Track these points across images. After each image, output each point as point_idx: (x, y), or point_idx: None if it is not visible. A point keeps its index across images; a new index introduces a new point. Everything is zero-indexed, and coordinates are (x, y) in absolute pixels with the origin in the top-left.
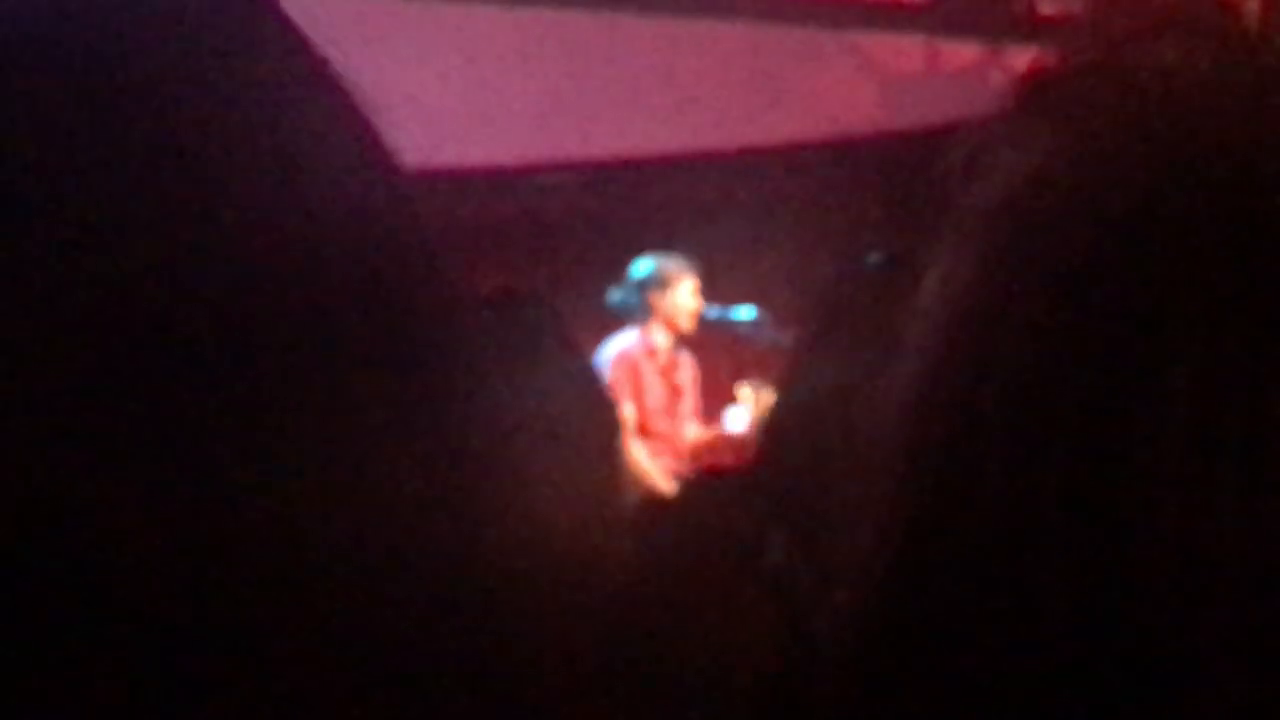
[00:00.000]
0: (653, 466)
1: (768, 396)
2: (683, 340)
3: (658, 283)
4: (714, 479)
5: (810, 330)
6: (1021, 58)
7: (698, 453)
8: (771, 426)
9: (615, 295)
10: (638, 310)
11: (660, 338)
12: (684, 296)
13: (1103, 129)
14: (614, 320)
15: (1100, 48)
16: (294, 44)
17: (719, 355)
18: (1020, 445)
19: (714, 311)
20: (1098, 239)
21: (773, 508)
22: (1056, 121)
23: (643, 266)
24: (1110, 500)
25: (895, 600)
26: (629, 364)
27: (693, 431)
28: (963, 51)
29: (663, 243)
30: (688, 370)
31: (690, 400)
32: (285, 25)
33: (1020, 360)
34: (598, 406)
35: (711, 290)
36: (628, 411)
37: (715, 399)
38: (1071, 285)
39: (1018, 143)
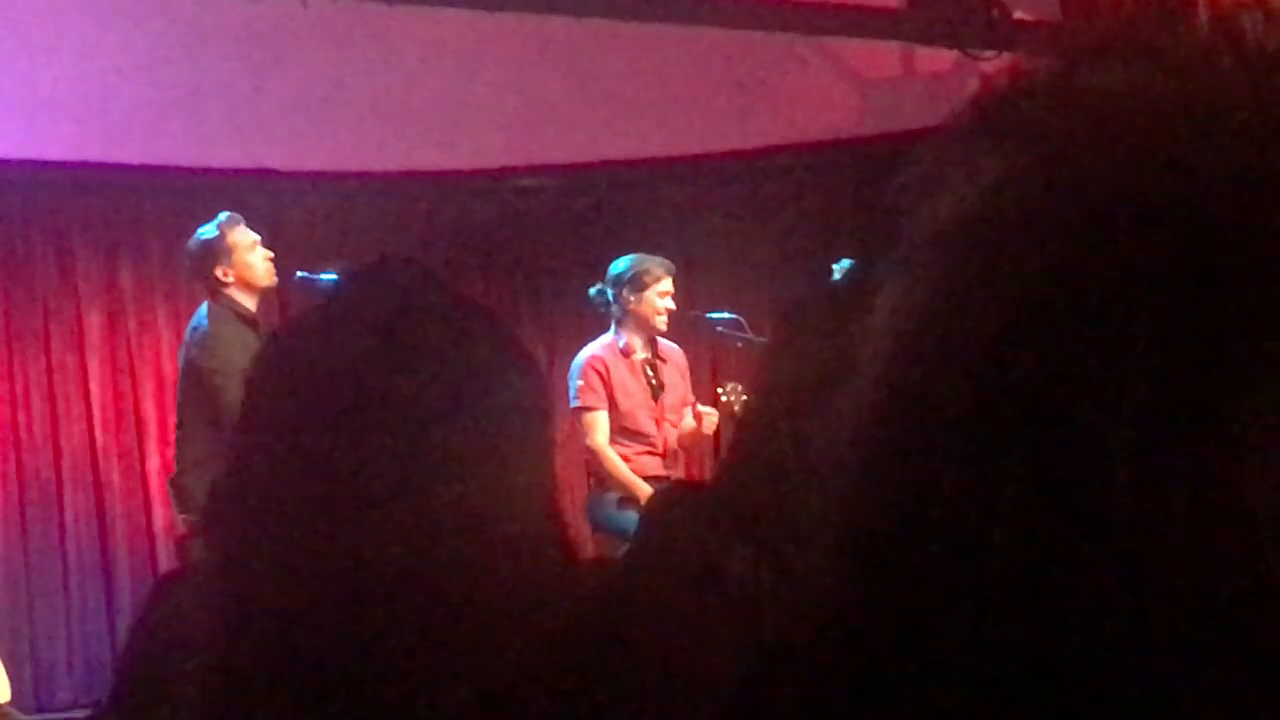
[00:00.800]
0: (630, 467)
1: (744, 398)
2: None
3: (635, 282)
4: (679, 490)
5: (772, 345)
6: (995, 63)
7: (687, 444)
8: (737, 438)
9: (594, 292)
10: (614, 309)
11: (637, 337)
12: (657, 298)
13: (1053, 152)
14: (594, 321)
15: (1051, 68)
16: None
17: (700, 357)
18: (972, 464)
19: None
20: (1048, 260)
21: (737, 520)
22: (1007, 142)
23: (619, 265)
24: (1064, 521)
25: (855, 615)
26: (600, 365)
27: (688, 423)
28: (938, 57)
29: (641, 245)
30: (674, 365)
31: (679, 395)
32: None
33: (972, 382)
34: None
35: (689, 292)
36: (600, 416)
37: (696, 399)
38: (1022, 306)
39: (968, 163)
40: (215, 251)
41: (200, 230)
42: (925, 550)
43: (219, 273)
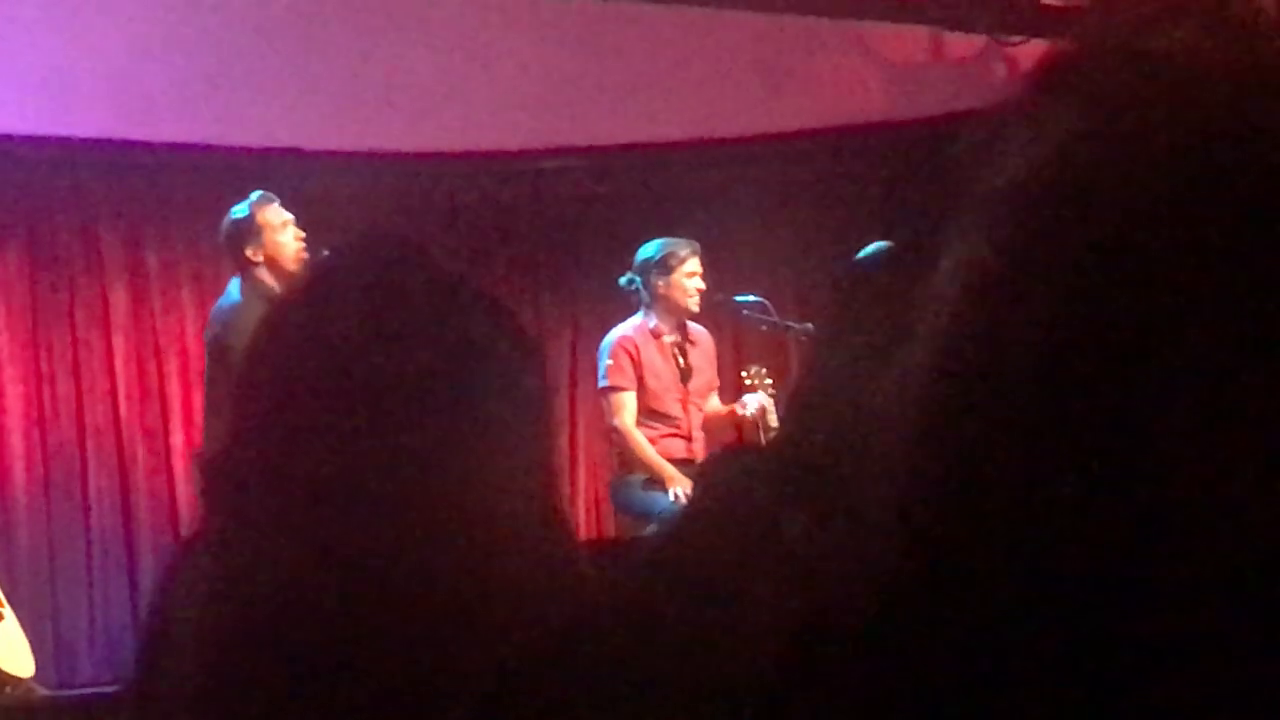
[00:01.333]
0: (655, 449)
1: (771, 381)
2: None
3: (662, 265)
4: (733, 453)
5: (828, 313)
6: (1025, 48)
7: (711, 427)
8: (792, 404)
9: (625, 278)
10: (644, 293)
11: (666, 320)
12: (686, 280)
13: (1123, 112)
14: (619, 304)
15: (1118, 32)
16: None
17: (724, 340)
18: (1038, 425)
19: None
20: (1119, 221)
21: (794, 482)
22: (1075, 104)
23: (648, 249)
24: (1127, 481)
25: (913, 579)
26: (630, 346)
27: (713, 406)
28: (966, 42)
29: (668, 228)
30: (703, 349)
31: (706, 379)
32: None
33: (1039, 342)
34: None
35: (714, 275)
36: (629, 397)
37: (720, 382)
38: (1092, 267)
39: (1035, 126)
40: (245, 231)
41: (234, 209)
42: (984, 512)
43: (248, 252)
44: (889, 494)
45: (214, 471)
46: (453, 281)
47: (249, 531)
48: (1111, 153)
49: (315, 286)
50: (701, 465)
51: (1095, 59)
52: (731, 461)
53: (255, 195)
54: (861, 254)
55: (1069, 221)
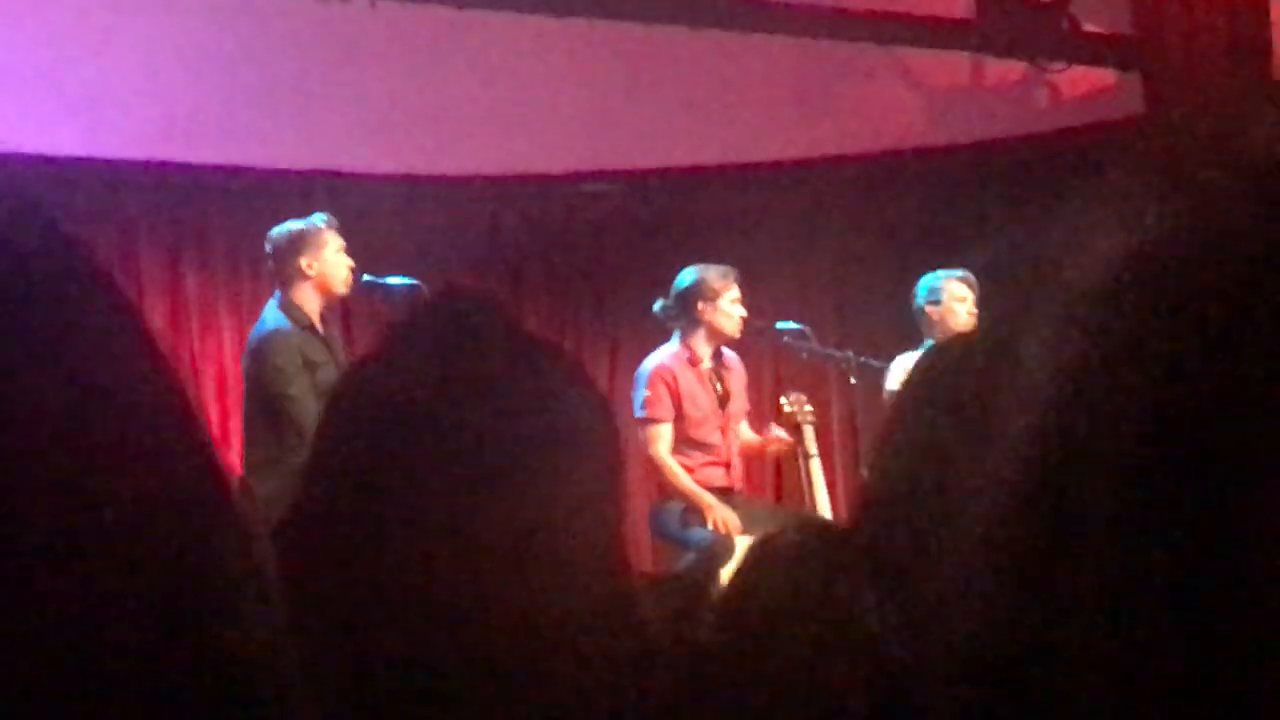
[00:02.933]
0: (694, 478)
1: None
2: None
3: (704, 292)
4: (806, 532)
5: (906, 395)
6: (1065, 75)
7: (745, 455)
8: (869, 487)
9: (660, 305)
10: (683, 320)
11: (705, 347)
12: (730, 305)
13: (1212, 205)
14: (658, 327)
15: (1208, 126)
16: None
17: (764, 367)
18: (1130, 527)
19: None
20: (1208, 316)
21: (868, 568)
22: (1162, 196)
23: (688, 276)
24: (1218, 580)
25: (998, 683)
26: (668, 376)
27: (745, 432)
28: (1007, 68)
29: (707, 252)
30: (737, 374)
31: (740, 404)
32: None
33: (1131, 440)
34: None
35: (752, 301)
36: (665, 429)
37: (757, 410)
38: (1181, 362)
39: (1121, 217)
40: (307, 242)
41: (292, 221)
42: (1077, 608)
43: (303, 262)
44: (979, 585)
45: (291, 523)
46: (527, 337)
47: (324, 580)
48: (1201, 245)
49: (392, 343)
50: (762, 540)
51: (1180, 150)
52: (800, 543)
53: (321, 216)
54: (921, 291)
55: (1158, 315)
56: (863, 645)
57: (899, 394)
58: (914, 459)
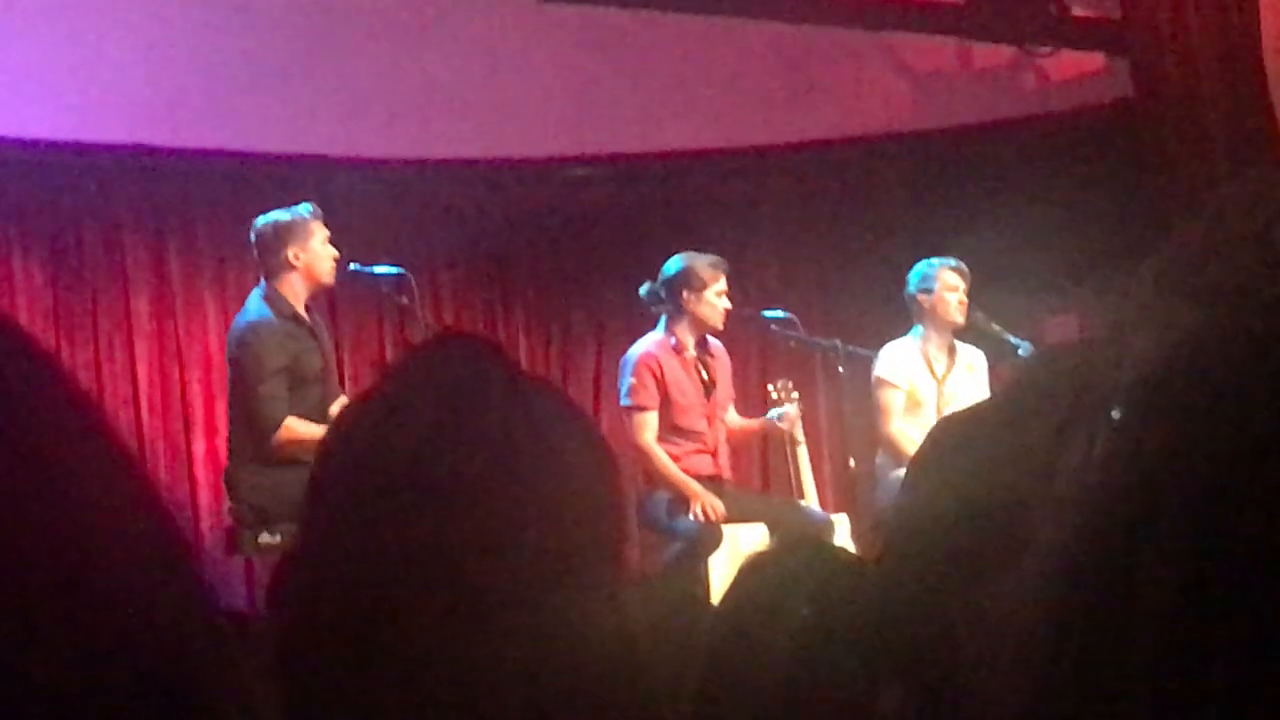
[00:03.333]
0: (680, 466)
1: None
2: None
3: (690, 282)
4: (823, 620)
5: (911, 489)
6: (1053, 59)
7: (736, 442)
8: (888, 578)
9: (646, 289)
10: (668, 307)
11: (689, 336)
12: (715, 298)
13: (1249, 306)
14: (645, 313)
15: (1244, 223)
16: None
17: (750, 355)
18: (1175, 646)
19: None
20: (1253, 421)
21: (889, 660)
22: (1199, 299)
23: (676, 263)
24: (1269, 701)
25: None
26: (653, 363)
27: (733, 418)
28: (995, 52)
29: (693, 238)
30: (722, 363)
31: (726, 392)
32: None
33: (1172, 552)
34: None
35: (740, 286)
36: (651, 417)
37: (744, 397)
38: (1231, 465)
39: (1157, 320)
40: (294, 232)
41: (278, 211)
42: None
43: (290, 253)
44: (1021, 692)
45: (284, 575)
46: (526, 383)
47: (313, 636)
48: (1239, 350)
49: (390, 386)
50: (741, 569)
51: (1217, 253)
52: (825, 631)
53: (307, 206)
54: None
55: (1196, 421)
56: None
57: (913, 463)
58: (934, 554)
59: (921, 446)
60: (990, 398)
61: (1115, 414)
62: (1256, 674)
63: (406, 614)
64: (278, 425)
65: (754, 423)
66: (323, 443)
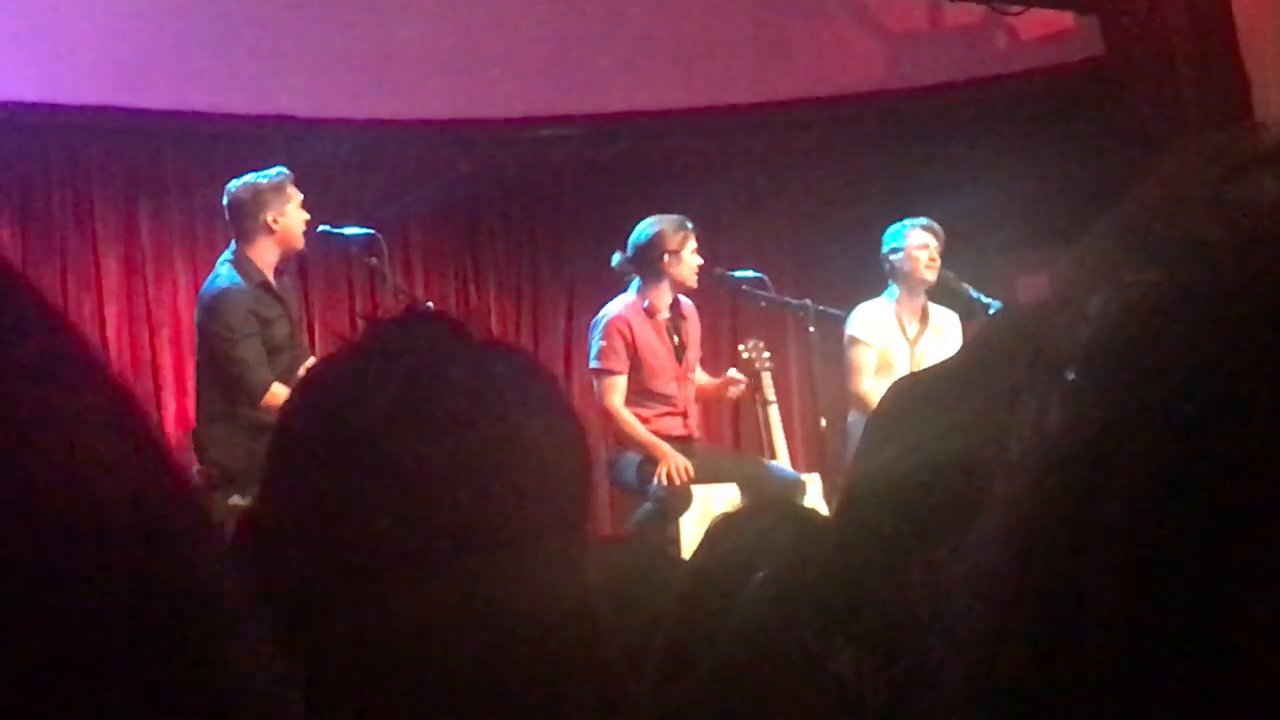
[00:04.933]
0: (650, 428)
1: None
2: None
3: (666, 244)
4: (776, 575)
5: (867, 450)
6: (1024, 17)
7: (701, 399)
8: (840, 531)
9: (617, 259)
10: (644, 271)
11: (665, 297)
12: (690, 256)
13: (1209, 265)
14: (615, 274)
15: (1199, 179)
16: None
17: (721, 314)
18: (1125, 604)
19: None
20: (1197, 378)
21: (842, 619)
22: (1152, 257)
23: (648, 228)
24: (1220, 658)
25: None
26: (624, 326)
27: (700, 377)
28: (966, 10)
29: (664, 198)
30: (693, 324)
31: (696, 354)
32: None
33: (1124, 509)
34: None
35: (711, 246)
36: (620, 380)
37: (714, 357)
38: (1175, 429)
39: (1111, 280)
40: (272, 196)
41: (255, 174)
42: (1082, 683)
43: (268, 217)
44: (973, 649)
45: (243, 543)
46: (498, 356)
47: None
48: (1194, 307)
49: (353, 361)
50: (709, 530)
51: (1173, 209)
52: (770, 586)
53: (281, 169)
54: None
55: (1149, 380)
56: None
57: (869, 423)
58: (891, 514)
59: (878, 406)
60: (948, 359)
61: (1069, 375)
62: (1210, 631)
63: (359, 589)
64: (265, 389)
65: (715, 381)
66: (283, 411)
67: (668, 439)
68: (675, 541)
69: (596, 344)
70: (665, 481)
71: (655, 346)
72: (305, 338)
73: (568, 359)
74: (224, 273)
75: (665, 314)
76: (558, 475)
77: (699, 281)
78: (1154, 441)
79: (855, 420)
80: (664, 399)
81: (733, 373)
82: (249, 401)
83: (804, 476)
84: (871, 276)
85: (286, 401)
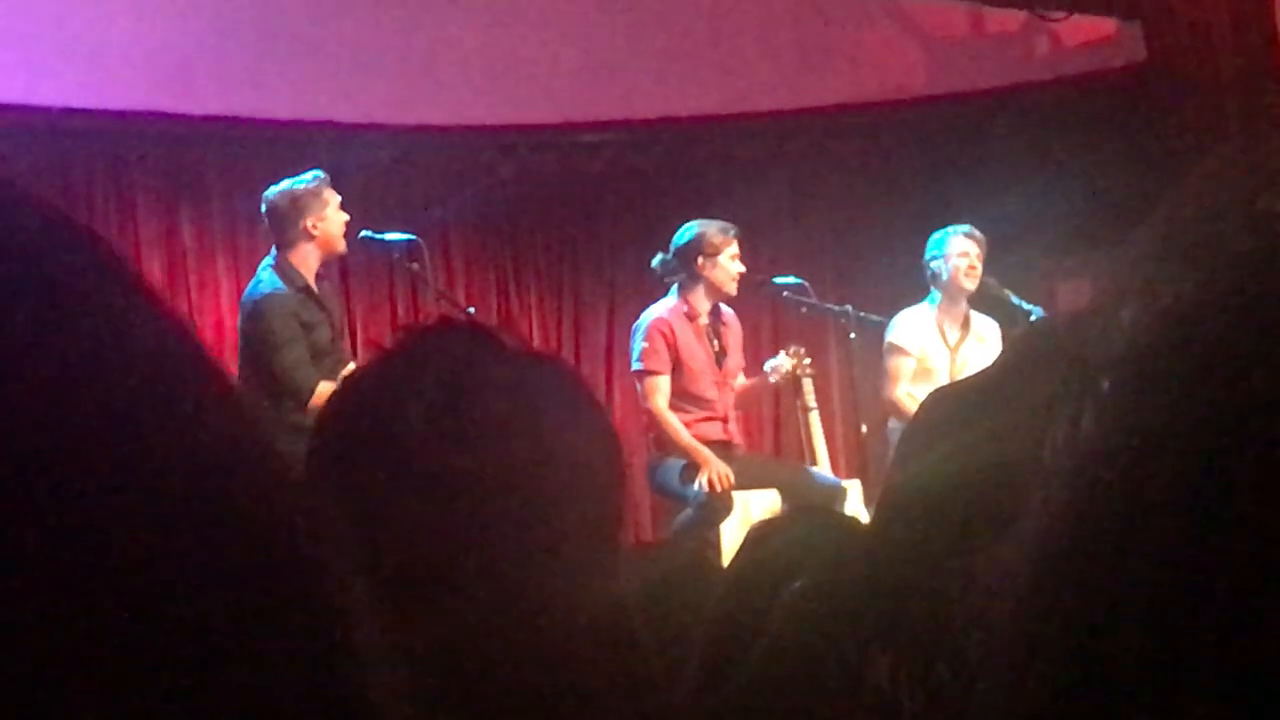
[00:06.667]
0: (690, 432)
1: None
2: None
3: (704, 248)
4: (813, 587)
5: (903, 460)
6: (1065, 23)
7: (741, 402)
8: (877, 539)
9: (659, 260)
10: (682, 275)
11: (703, 303)
12: (729, 262)
13: (1243, 277)
14: (656, 279)
15: (1234, 191)
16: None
17: (763, 321)
18: (1162, 614)
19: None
20: (1232, 388)
21: (879, 629)
22: (1186, 267)
23: (688, 231)
24: (1259, 667)
25: None
26: (665, 328)
27: (741, 380)
28: (1007, 17)
29: (704, 204)
30: (734, 331)
31: (737, 360)
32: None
33: (1159, 517)
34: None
35: (752, 252)
36: (663, 381)
37: (756, 364)
38: (1209, 437)
39: (1145, 289)
40: (310, 202)
41: (292, 180)
42: (1119, 691)
43: (308, 223)
44: (998, 672)
45: None
46: (533, 364)
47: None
48: (1235, 317)
49: (390, 370)
50: (748, 536)
51: (1207, 220)
52: (807, 598)
53: (318, 173)
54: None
55: (1182, 390)
56: (867, 696)
57: (906, 433)
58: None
59: (916, 415)
60: (984, 368)
61: (1104, 384)
62: (1246, 645)
63: (393, 598)
64: (312, 390)
65: (754, 381)
66: (318, 420)
67: (707, 443)
68: (715, 547)
69: (638, 346)
70: (706, 487)
71: (695, 349)
72: (346, 343)
73: (609, 364)
74: (266, 278)
75: (705, 318)
76: (592, 484)
77: (739, 290)
78: (1188, 450)
79: (895, 427)
80: (704, 403)
81: (774, 362)
82: (296, 405)
83: (845, 483)
84: (912, 283)
85: (322, 410)
